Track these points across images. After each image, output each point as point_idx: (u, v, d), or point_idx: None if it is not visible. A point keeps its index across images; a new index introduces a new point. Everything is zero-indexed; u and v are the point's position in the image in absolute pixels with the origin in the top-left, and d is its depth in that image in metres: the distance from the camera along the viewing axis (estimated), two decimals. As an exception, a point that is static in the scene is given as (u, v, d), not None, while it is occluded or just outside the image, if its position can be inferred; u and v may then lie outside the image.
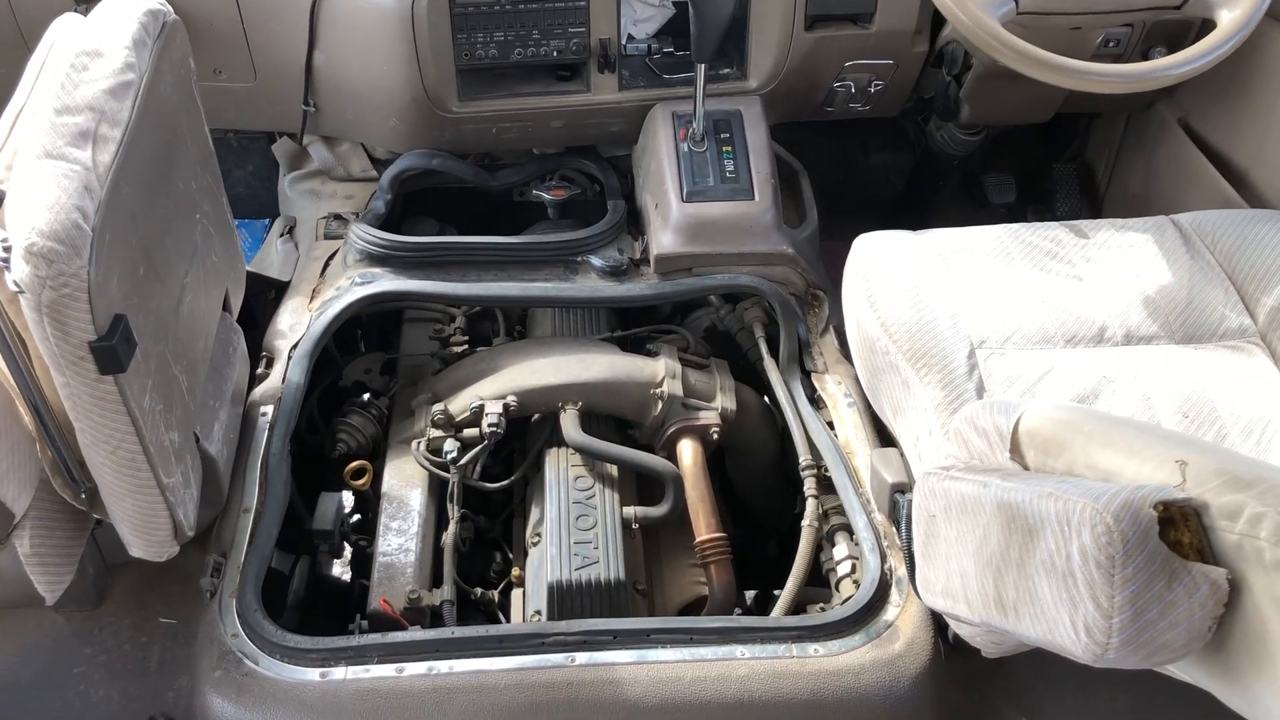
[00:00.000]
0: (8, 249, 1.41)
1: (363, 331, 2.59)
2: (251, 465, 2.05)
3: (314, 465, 2.41)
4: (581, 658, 1.77)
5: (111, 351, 1.47)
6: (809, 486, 2.11)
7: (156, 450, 1.64)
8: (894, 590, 1.88)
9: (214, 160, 1.99)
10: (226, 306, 2.07)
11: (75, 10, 1.93)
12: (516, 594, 2.14)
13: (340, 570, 2.22)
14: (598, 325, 2.50)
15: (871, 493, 2.03)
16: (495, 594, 2.14)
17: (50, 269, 1.39)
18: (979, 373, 1.89)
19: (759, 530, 2.52)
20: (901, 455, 1.98)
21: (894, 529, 1.97)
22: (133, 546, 1.77)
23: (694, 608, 2.14)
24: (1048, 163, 3.16)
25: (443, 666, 1.76)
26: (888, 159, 3.29)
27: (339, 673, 1.75)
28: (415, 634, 1.80)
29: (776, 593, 2.02)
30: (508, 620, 2.11)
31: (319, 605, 2.22)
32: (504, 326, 2.53)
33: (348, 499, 2.23)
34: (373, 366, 2.45)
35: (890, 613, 1.84)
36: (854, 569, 2.05)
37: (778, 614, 1.94)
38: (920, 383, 1.88)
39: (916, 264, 2.07)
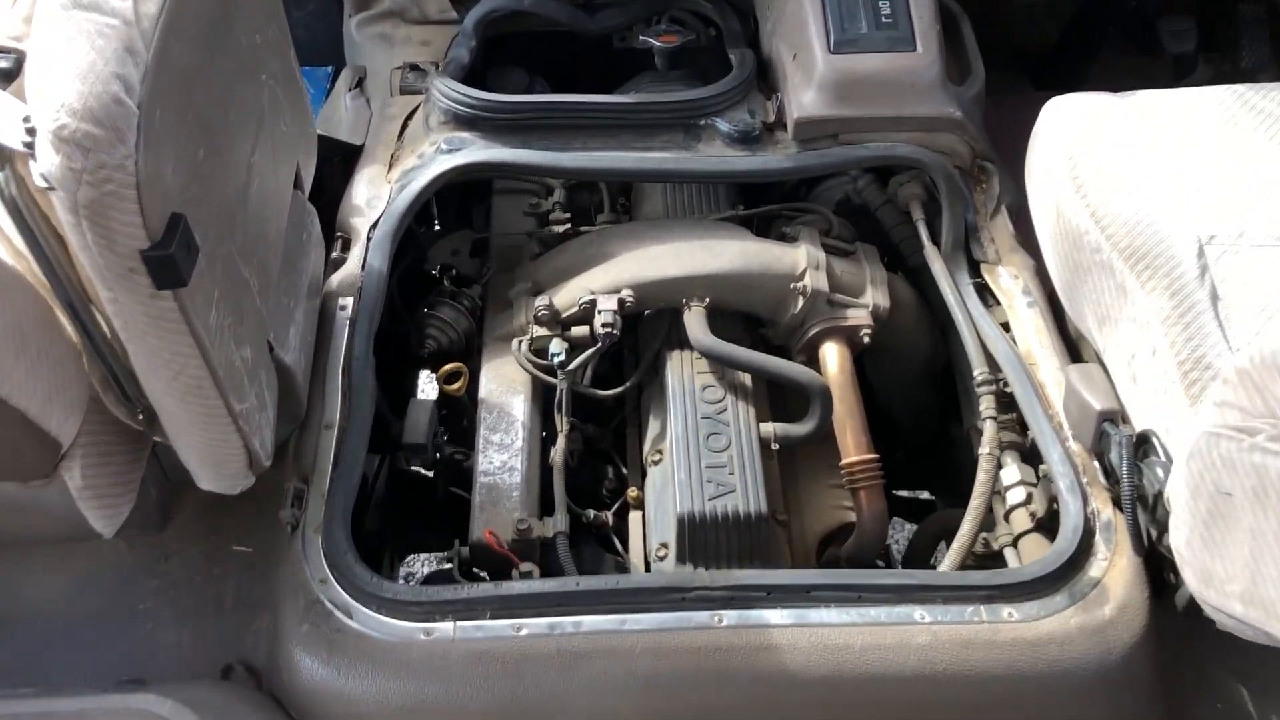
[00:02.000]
0: (32, 132, 1.09)
1: (444, 204, 2.25)
2: (331, 371, 1.75)
3: (398, 359, 2.12)
4: (730, 617, 1.49)
5: (169, 261, 1.16)
6: (987, 405, 1.78)
7: (226, 373, 1.35)
8: (1099, 540, 1.57)
9: (279, 6, 1.63)
10: (298, 183, 1.75)
11: None
12: (635, 517, 1.86)
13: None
14: (715, 200, 2.15)
15: (1064, 416, 1.70)
16: (610, 516, 1.87)
17: (88, 159, 1.07)
18: (1210, 276, 1.53)
19: (890, 436, 2.22)
20: (1106, 374, 1.65)
21: (1094, 463, 1.65)
22: (201, 479, 1.50)
23: (838, 536, 1.86)
24: (1232, 2, 2.69)
25: (567, 624, 1.49)
26: (1039, -3, 2.83)
27: (447, 629, 1.49)
28: (535, 584, 1.53)
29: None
30: (625, 548, 1.84)
31: (404, 506, 1.96)
32: (608, 201, 2.19)
33: (438, 403, 1.95)
34: (461, 247, 2.13)
35: (1096, 568, 1.54)
36: (1029, 498, 1.75)
37: (952, 562, 1.65)
38: (1142, 289, 1.53)
39: (1130, 136, 1.69)
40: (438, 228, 2.26)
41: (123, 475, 1.55)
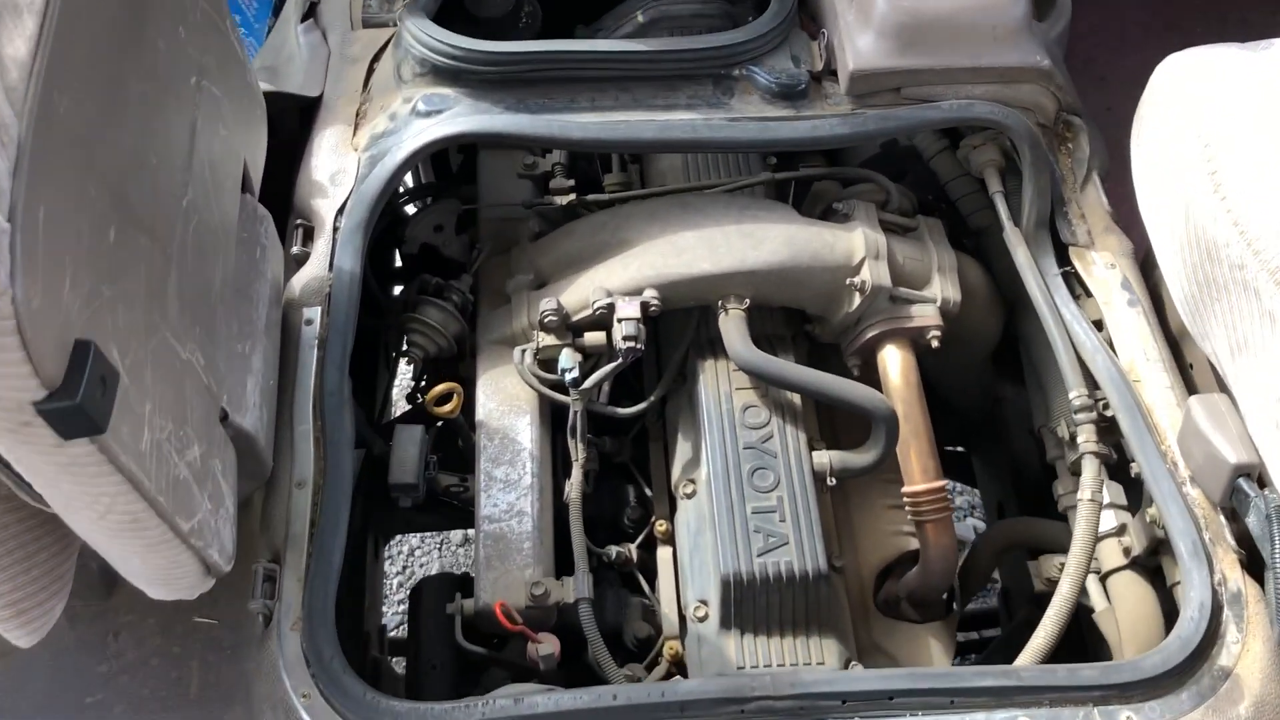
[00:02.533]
0: None
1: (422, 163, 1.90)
2: (300, 412, 1.44)
3: (367, 352, 1.81)
4: (798, 734, 1.25)
5: (75, 411, 0.84)
6: (1087, 437, 1.51)
7: (169, 493, 1.05)
8: (1228, 617, 1.33)
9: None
10: (247, 184, 1.39)
11: None
12: (664, 555, 1.60)
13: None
14: (747, 157, 1.81)
15: (1180, 454, 1.43)
16: (634, 551, 1.61)
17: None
18: None
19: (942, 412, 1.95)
20: (1238, 413, 1.38)
21: (1218, 515, 1.39)
22: (151, 593, 1.21)
23: (896, 566, 1.61)
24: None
25: (604, 749, 1.24)
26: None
27: (460, 757, 1.23)
28: (563, 699, 1.26)
29: None
30: (652, 587, 1.58)
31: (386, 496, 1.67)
32: (617, 159, 1.84)
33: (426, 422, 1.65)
34: (445, 222, 1.79)
35: (1227, 655, 1.30)
36: (1123, 529, 1.51)
37: (1045, 639, 1.40)
38: None
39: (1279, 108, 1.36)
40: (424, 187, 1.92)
41: (51, 574, 1.25)
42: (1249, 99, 1.38)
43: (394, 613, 2.82)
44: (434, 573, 2.91)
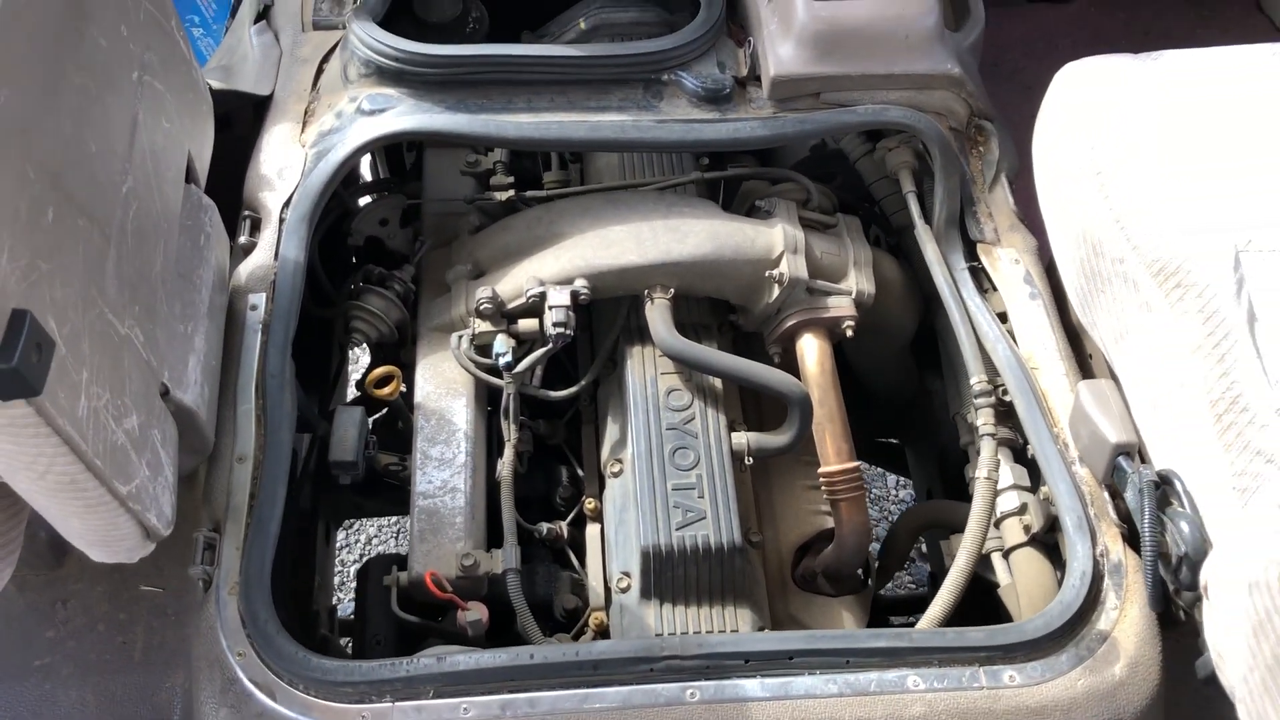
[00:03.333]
0: None
1: (372, 154, 1.99)
2: (243, 391, 1.52)
3: (320, 342, 1.89)
4: (704, 689, 1.33)
5: (11, 374, 0.92)
6: (985, 420, 1.60)
7: (107, 458, 1.13)
8: (1109, 586, 1.42)
9: (150, -32, 1.33)
10: (191, 175, 1.47)
11: None
12: (592, 531, 1.69)
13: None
14: (679, 158, 1.90)
15: (1071, 436, 1.53)
16: (564, 528, 1.69)
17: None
18: (1246, 292, 1.34)
19: (864, 402, 2.05)
20: (1122, 394, 1.47)
21: (1103, 492, 1.49)
22: (92, 555, 1.29)
23: (814, 544, 1.70)
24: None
25: (521, 702, 1.32)
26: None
27: (385, 711, 1.31)
28: (483, 658, 1.35)
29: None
30: (581, 563, 1.67)
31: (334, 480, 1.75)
32: (556, 158, 1.93)
33: (367, 405, 1.73)
34: (390, 216, 1.87)
35: (1105, 619, 1.40)
36: (1024, 508, 1.60)
37: (942, 608, 1.49)
38: (1170, 310, 1.34)
39: (1160, 114, 1.46)
40: (372, 183, 2.00)
41: (2, 539, 1.33)
42: (1135, 105, 1.49)
43: (350, 599, 2.90)
44: (384, 555, 2.99)
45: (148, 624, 1.53)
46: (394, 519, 3.07)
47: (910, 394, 2.09)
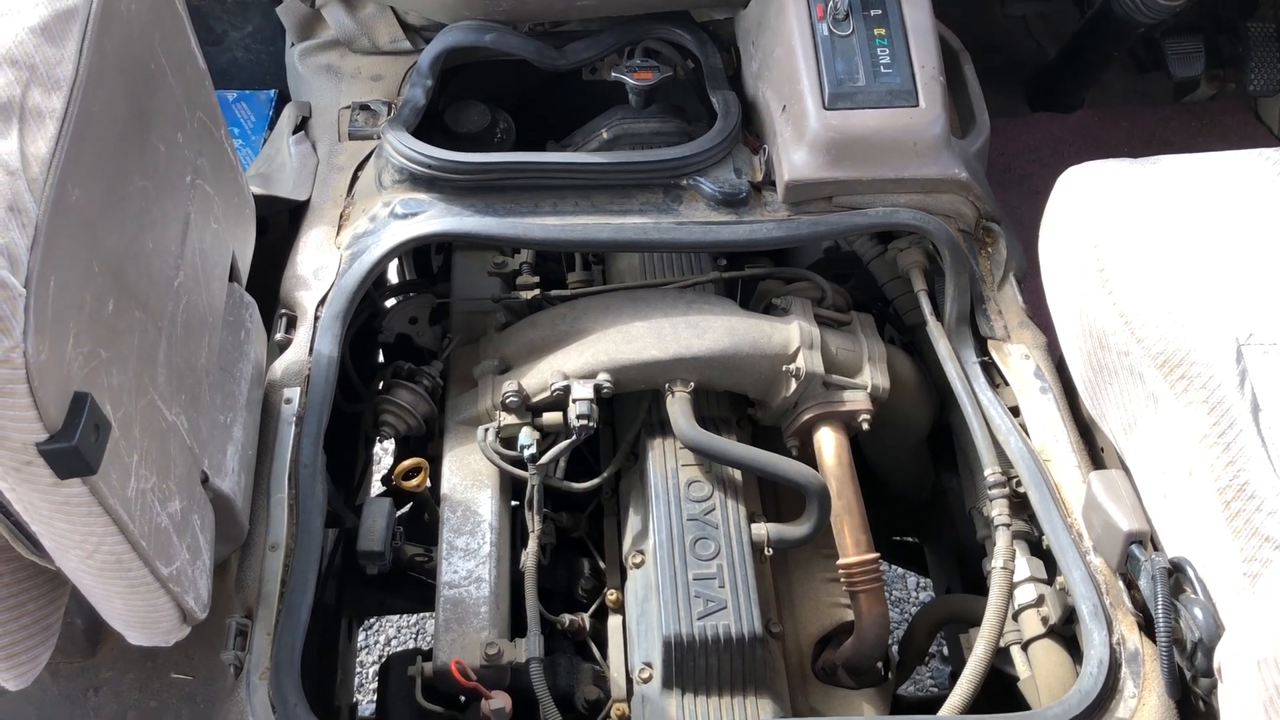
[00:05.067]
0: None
1: (401, 256, 2.06)
2: (276, 481, 1.57)
3: (350, 435, 1.95)
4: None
5: (72, 453, 0.98)
6: (1000, 511, 1.64)
7: (151, 539, 1.17)
8: (1126, 674, 1.44)
9: (206, 82, 1.42)
10: (234, 274, 1.55)
11: None
12: (614, 623, 1.71)
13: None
14: (697, 259, 1.98)
15: (1084, 526, 1.56)
16: (586, 620, 1.71)
17: (-39, 356, 0.89)
18: (1250, 384, 1.38)
19: (882, 498, 2.08)
20: (1133, 484, 1.51)
21: (1117, 581, 1.51)
22: (130, 638, 1.32)
23: (834, 636, 1.72)
24: (1240, 20, 2.53)
25: (550, 796, 1.34)
26: (1032, 8, 2.65)
27: (412, 800, 1.33)
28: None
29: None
30: (604, 655, 1.69)
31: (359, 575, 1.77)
32: (580, 259, 2.00)
33: (395, 497, 1.78)
34: (419, 315, 1.94)
35: (1124, 708, 1.41)
36: (1040, 600, 1.62)
37: (961, 697, 1.51)
38: (1176, 400, 1.39)
39: (1158, 214, 1.53)
40: (401, 283, 2.08)
41: (39, 623, 1.37)
42: (1134, 206, 1.55)
43: (368, 700, 2.89)
44: (407, 656, 3.00)
45: (178, 711, 1.55)
46: (413, 620, 3.09)
47: (927, 491, 2.12)
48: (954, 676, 2.09)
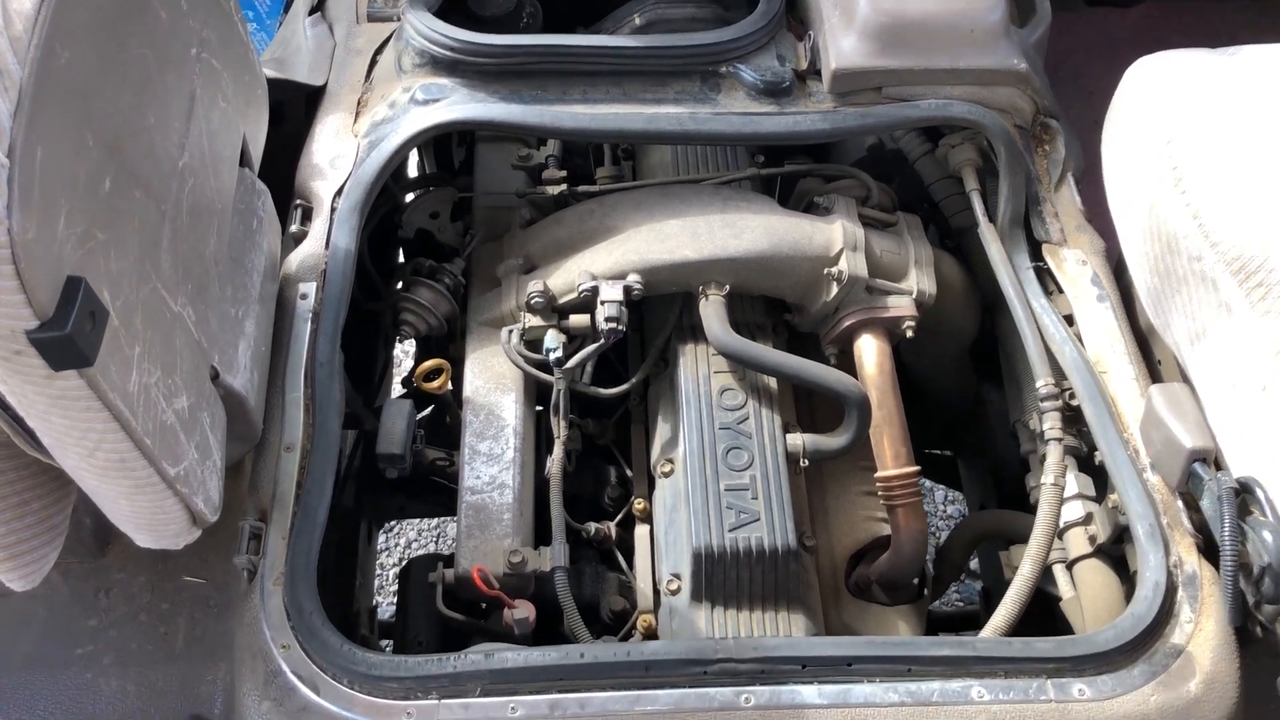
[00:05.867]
0: None
1: (421, 147, 1.96)
2: (291, 379, 1.50)
3: (370, 335, 1.87)
4: (758, 694, 1.29)
5: (65, 341, 0.90)
6: (1051, 425, 1.55)
7: (156, 437, 1.10)
8: (1183, 598, 1.36)
9: (210, -54, 1.32)
10: (246, 159, 1.46)
11: None
12: (641, 532, 1.65)
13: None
14: (733, 154, 1.87)
15: (1142, 441, 1.48)
16: (613, 529, 1.65)
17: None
18: None
19: (920, 407, 2.00)
20: (1196, 399, 1.42)
21: (1176, 500, 1.43)
22: (138, 540, 1.27)
23: (869, 551, 1.65)
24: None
25: (571, 702, 1.28)
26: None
27: (431, 709, 1.28)
28: (532, 655, 1.31)
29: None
30: (629, 564, 1.63)
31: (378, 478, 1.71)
32: (609, 152, 1.90)
33: (416, 399, 1.71)
34: (441, 209, 1.85)
35: (1179, 633, 1.34)
36: (1089, 518, 1.55)
37: (1005, 618, 1.44)
38: (1252, 310, 1.29)
39: (1239, 109, 1.41)
40: (422, 176, 1.98)
41: (45, 523, 1.31)
42: (1213, 99, 1.44)
43: (388, 602, 2.87)
44: (425, 556, 2.98)
45: (190, 615, 1.50)
46: (434, 523, 3.05)
47: (967, 403, 2.04)
48: (985, 593, 2.04)
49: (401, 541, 3.08)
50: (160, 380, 1.10)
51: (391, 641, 1.83)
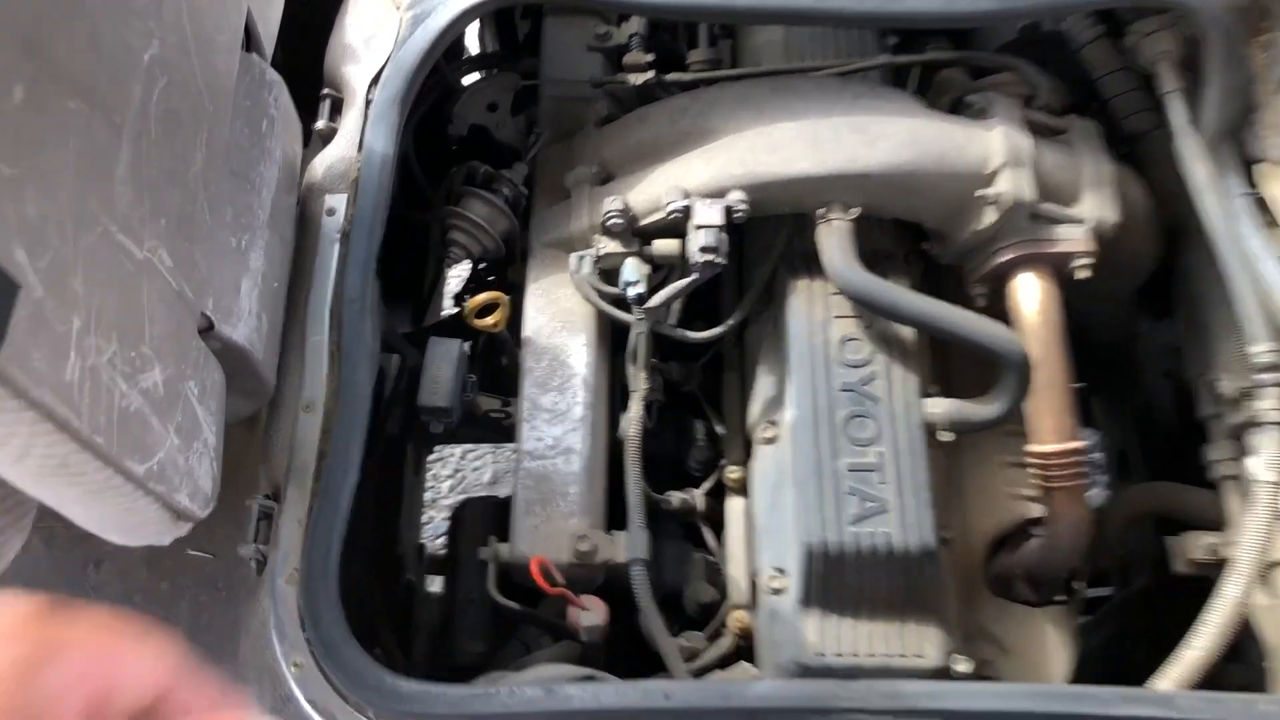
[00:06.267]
0: None
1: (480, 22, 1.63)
2: (314, 319, 1.21)
3: (410, 249, 1.58)
4: (892, 757, 1.01)
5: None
6: (1271, 404, 1.22)
7: (111, 430, 0.82)
8: None
9: None
10: (252, 41, 1.14)
11: None
12: (734, 506, 1.37)
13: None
14: (861, 36, 1.51)
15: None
16: (699, 498, 1.37)
17: None
18: None
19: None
20: None
21: None
22: (113, 540, 1.00)
23: (1015, 537, 1.35)
24: None
25: (652, 755, 1.02)
26: None
27: (477, 753, 1.02)
28: (603, 692, 1.04)
29: None
30: (717, 538, 1.35)
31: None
32: (706, 32, 1.55)
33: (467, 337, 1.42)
34: (500, 100, 1.52)
35: None
36: (1299, 513, 1.23)
37: (1205, 653, 1.13)
38: None
39: None
40: (467, 56, 1.65)
41: (10, 501, 1.05)
42: None
43: (444, 518, 2.63)
44: (486, 480, 2.73)
45: (193, 599, 1.27)
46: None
47: (1118, 337, 1.71)
48: (1141, 591, 1.71)
49: (457, 451, 2.83)
50: (117, 356, 0.81)
51: (443, 579, 1.58)
